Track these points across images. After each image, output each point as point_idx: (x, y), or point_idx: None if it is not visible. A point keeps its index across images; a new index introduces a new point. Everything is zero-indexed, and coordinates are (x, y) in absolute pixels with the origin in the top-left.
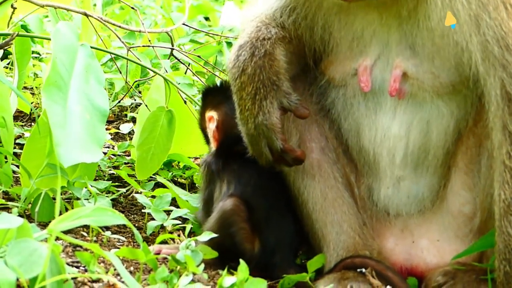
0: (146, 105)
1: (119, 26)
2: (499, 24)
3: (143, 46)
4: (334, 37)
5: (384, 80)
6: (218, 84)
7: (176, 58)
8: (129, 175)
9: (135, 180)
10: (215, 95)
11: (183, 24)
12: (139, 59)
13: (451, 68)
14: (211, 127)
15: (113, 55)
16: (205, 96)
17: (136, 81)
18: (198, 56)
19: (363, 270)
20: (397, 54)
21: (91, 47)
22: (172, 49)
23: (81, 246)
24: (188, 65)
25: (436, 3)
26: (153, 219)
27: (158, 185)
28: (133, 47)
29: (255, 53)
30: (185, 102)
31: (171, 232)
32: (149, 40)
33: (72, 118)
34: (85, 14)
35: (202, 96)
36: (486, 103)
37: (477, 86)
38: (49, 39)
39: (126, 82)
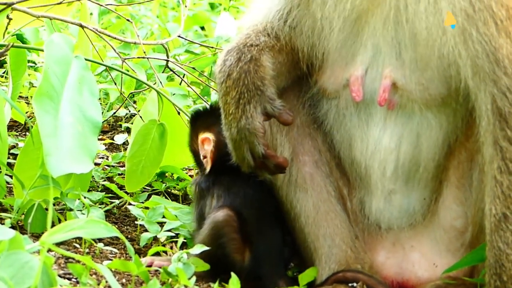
0: (141, 117)
1: (114, 38)
2: (488, 39)
3: (138, 57)
4: (326, 46)
5: (375, 90)
6: (208, 107)
7: (171, 70)
8: (123, 186)
9: (127, 192)
10: (206, 117)
11: (179, 36)
12: (134, 70)
13: (440, 81)
14: (207, 148)
15: (108, 67)
16: (195, 119)
17: (131, 93)
18: (193, 68)
19: (354, 284)
20: (387, 64)
21: (86, 59)
22: (168, 60)
23: (73, 258)
24: (183, 76)
25: (421, 13)
26: (146, 230)
27: (151, 196)
28: (128, 59)
29: (241, 58)
30: (178, 113)
31: (163, 244)
32: (144, 52)
33: (64, 128)
34: (81, 26)
35: (192, 119)
36: (477, 118)
37: (467, 100)
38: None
39: (121, 93)
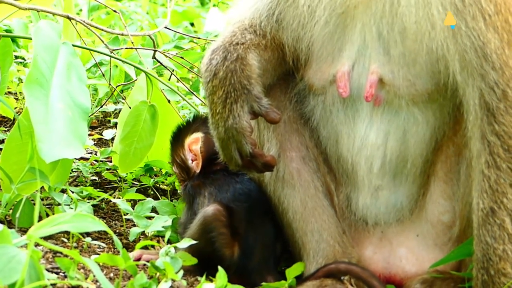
0: (130, 106)
1: (102, 29)
2: (477, 34)
3: (126, 48)
4: (311, 38)
5: (361, 86)
6: (189, 120)
7: (159, 62)
8: (111, 181)
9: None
10: (189, 127)
11: (166, 27)
12: (123, 61)
13: (427, 76)
14: (195, 148)
15: (97, 53)
16: (177, 134)
17: (119, 85)
18: (181, 57)
19: (342, 277)
20: (374, 59)
21: (73, 45)
22: (155, 50)
23: (61, 252)
24: (172, 71)
25: (411, 7)
26: (134, 225)
27: (140, 191)
28: (116, 49)
29: (227, 57)
30: (169, 101)
31: (151, 239)
32: (132, 42)
33: (54, 114)
34: (68, 17)
35: (174, 136)
36: (464, 113)
37: (455, 95)
38: (31, 39)
39: (109, 84)
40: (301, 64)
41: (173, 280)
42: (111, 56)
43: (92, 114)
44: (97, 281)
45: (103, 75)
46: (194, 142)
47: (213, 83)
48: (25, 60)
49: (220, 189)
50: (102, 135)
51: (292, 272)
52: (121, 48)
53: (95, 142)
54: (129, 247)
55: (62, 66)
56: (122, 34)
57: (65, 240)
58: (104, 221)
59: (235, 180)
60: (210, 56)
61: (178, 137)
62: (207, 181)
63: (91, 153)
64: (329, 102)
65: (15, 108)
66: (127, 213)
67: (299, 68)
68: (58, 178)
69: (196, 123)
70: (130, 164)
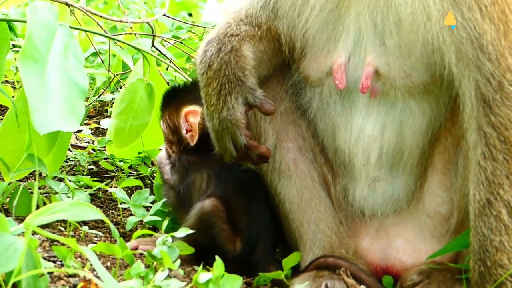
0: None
1: (101, 16)
2: (473, 25)
3: (125, 34)
4: (306, 27)
5: (358, 77)
6: (187, 83)
7: (157, 49)
8: (109, 171)
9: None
10: (188, 92)
11: (164, 15)
12: (121, 46)
13: (423, 67)
14: (193, 120)
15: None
16: (173, 94)
17: (117, 74)
18: (181, 42)
19: (337, 270)
20: (370, 51)
21: (71, 27)
22: (154, 35)
23: (58, 241)
24: (170, 62)
25: None
26: (131, 214)
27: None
28: (115, 35)
29: (221, 49)
30: (168, 83)
31: (149, 228)
32: (131, 28)
33: (50, 90)
34: (66, 4)
35: (169, 94)
36: (461, 104)
37: (451, 87)
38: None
39: (108, 70)
40: (297, 54)
41: (170, 270)
42: (110, 38)
43: (90, 104)
44: (94, 269)
45: (102, 61)
46: (193, 114)
47: (207, 75)
48: None
49: (220, 178)
50: (99, 125)
51: (289, 262)
52: (120, 34)
53: (93, 132)
54: (126, 236)
55: (59, 46)
56: (121, 21)
57: (62, 229)
58: (101, 210)
59: (234, 169)
60: (204, 48)
61: (174, 99)
62: (206, 161)
63: (88, 142)
64: (326, 94)
65: (13, 96)
66: (124, 202)
67: (295, 59)
68: (53, 161)
69: (197, 92)
70: (125, 141)
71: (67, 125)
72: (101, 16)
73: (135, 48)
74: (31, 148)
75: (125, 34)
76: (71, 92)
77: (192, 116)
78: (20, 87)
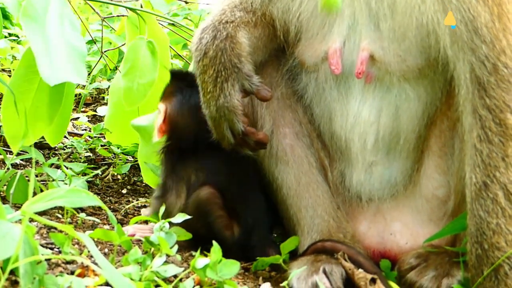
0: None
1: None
2: (467, 7)
3: (118, 16)
4: (300, 10)
5: (353, 63)
6: (181, 72)
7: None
8: (106, 158)
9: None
10: (173, 82)
11: None
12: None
13: (418, 51)
14: (159, 120)
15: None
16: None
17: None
18: (174, 23)
19: (335, 254)
20: (364, 36)
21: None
22: (151, 13)
23: (55, 228)
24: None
25: None
26: (128, 201)
27: (134, 167)
28: (108, 17)
29: (217, 36)
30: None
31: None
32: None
33: (54, 47)
34: None
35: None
36: (456, 87)
37: (446, 70)
38: None
39: (101, 53)
40: (292, 39)
41: (168, 255)
42: (114, 4)
43: (86, 91)
44: (91, 256)
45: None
46: (160, 111)
47: (203, 62)
48: (18, 37)
49: (210, 167)
50: (96, 112)
51: (287, 246)
52: (113, 16)
53: (89, 119)
54: (123, 222)
55: (55, 14)
56: (116, 5)
57: (60, 215)
58: (99, 197)
59: (225, 155)
60: (200, 35)
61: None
62: (196, 156)
63: (85, 129)
64: (321, 80)
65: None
66: (122, 189)
67: (290, 44)
68: (56, 131)
69: (179, 82)
70: (135, 99)
71: (76, 76)
72: (97, 0)
73: (130, 9)
74: (26, 139)
75: (117, 16)
76: (71, 54)
77: (160, 114)
78: None
